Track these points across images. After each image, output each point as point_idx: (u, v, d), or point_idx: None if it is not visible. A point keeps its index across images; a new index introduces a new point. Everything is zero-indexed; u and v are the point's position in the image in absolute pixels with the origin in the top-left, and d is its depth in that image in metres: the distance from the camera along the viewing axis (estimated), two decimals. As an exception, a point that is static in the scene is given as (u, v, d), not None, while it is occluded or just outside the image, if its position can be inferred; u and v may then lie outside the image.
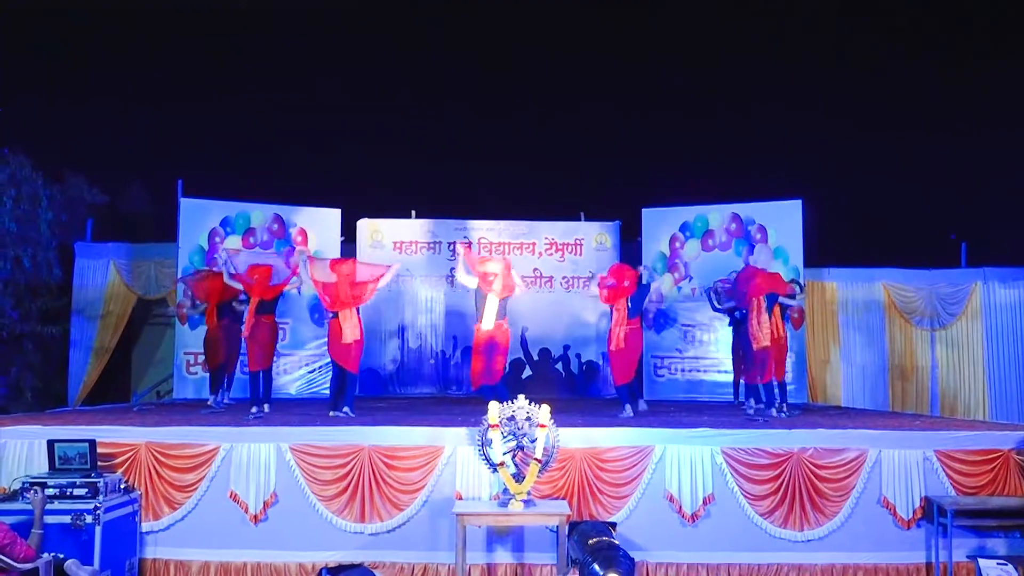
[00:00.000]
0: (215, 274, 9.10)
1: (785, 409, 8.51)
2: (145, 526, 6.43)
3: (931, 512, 6.44)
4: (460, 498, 6.39)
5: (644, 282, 8.41)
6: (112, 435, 6.59)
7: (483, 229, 12.10)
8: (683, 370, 11.52)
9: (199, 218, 11.17)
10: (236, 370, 9.49)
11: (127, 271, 11.58)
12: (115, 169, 11.64)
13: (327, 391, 9.40)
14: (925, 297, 11.88)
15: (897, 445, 6.64)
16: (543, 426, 6.06)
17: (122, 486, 6.25)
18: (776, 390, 8.48)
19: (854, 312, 11.94)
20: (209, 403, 8.99)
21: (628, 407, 8.17)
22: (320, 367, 11.25)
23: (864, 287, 11.98)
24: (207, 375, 9.65)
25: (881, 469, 6.56)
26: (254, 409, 8.13)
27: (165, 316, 11.92)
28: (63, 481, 5.92)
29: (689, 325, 11.51)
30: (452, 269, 11.31)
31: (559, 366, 11.97)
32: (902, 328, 11.92)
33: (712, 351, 11.22)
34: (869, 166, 12.43)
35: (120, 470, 6.42)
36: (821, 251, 11.52)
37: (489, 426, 6.08)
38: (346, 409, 7.88)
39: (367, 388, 11.43)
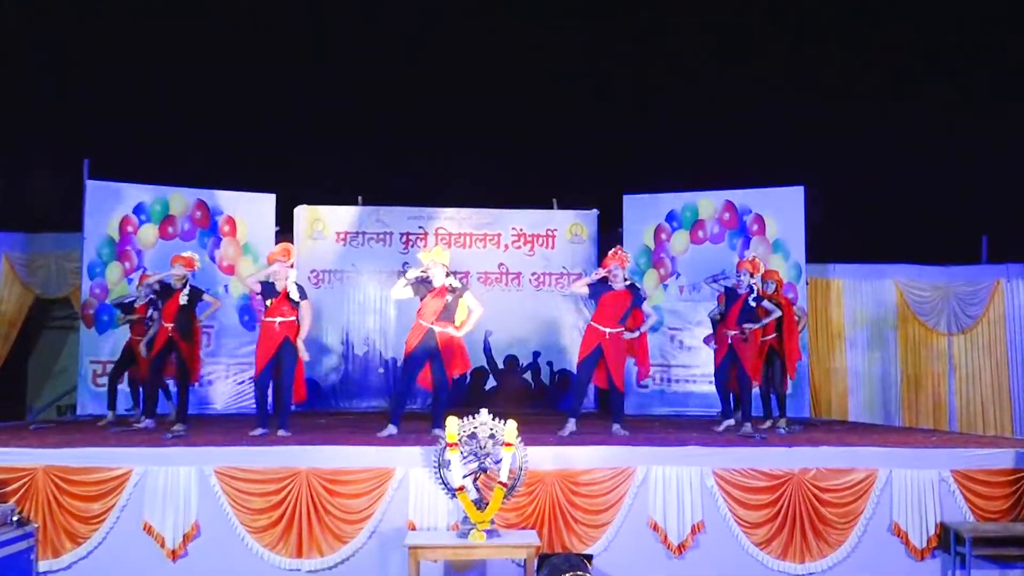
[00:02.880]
0: None
1: (783, 424, 8.57)
2: (43, 565, 6.33)
3: (947, 540, 6.55)
4: (413, 528, 6.38)
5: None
6: (3, 458, 6.49)
7: (441, 218, 12.08)
8: (670, 380, 11.57)
9: (109, 204, 11.04)
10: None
11: (23, 266, 11.43)
12: (9, 147, 11.40)
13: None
14: (941, 296, 12.07)
15: (910, 464, 6.75)
16: (509, 445, 6.06)
17: (15, 518, 6.16)
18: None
19: (862, 313, 12.11)
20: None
21: (572, 421, 8.03)
22: (250, 378, 11.13)
23: (874, 285, 12.15)
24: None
25: (892, 492, 6.66)
26: (177, 427, 8.02)
27: (68, 319, 11.77)
28: (-56, 513, 5.82)
29: (677, 329, 11.57)
30: (404, 264, 11.26)
31: (528, 376, 11.99)
32: (916, 331, 12.11)
33: (704, 359, 11.28)
34: (879, 150, 12.53)
35: (12, 499, 6.32)
36: (826, 244, 11.64)
37: (447, 445, 6.06)
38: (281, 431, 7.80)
39: (305, 402, 11.33)
